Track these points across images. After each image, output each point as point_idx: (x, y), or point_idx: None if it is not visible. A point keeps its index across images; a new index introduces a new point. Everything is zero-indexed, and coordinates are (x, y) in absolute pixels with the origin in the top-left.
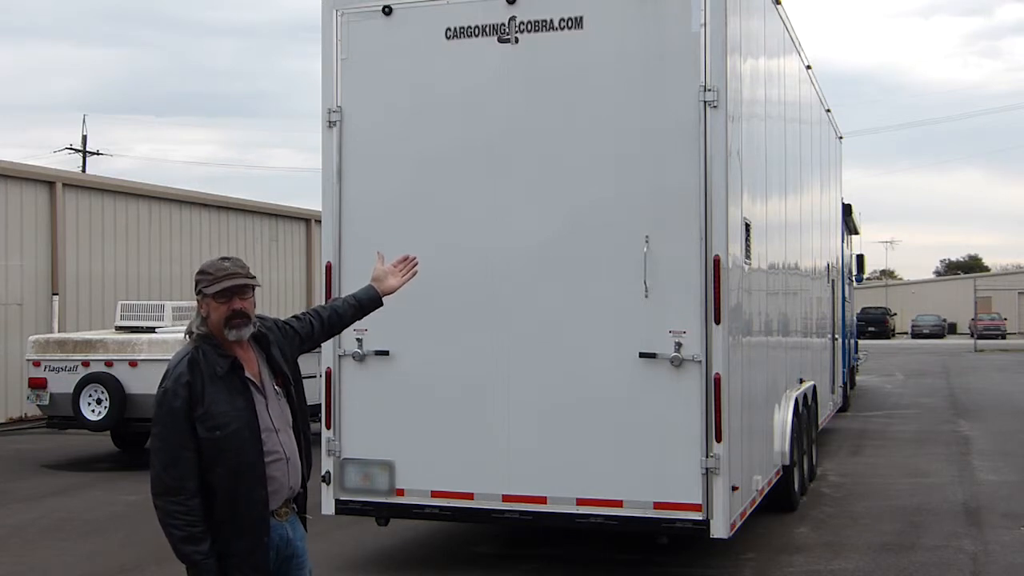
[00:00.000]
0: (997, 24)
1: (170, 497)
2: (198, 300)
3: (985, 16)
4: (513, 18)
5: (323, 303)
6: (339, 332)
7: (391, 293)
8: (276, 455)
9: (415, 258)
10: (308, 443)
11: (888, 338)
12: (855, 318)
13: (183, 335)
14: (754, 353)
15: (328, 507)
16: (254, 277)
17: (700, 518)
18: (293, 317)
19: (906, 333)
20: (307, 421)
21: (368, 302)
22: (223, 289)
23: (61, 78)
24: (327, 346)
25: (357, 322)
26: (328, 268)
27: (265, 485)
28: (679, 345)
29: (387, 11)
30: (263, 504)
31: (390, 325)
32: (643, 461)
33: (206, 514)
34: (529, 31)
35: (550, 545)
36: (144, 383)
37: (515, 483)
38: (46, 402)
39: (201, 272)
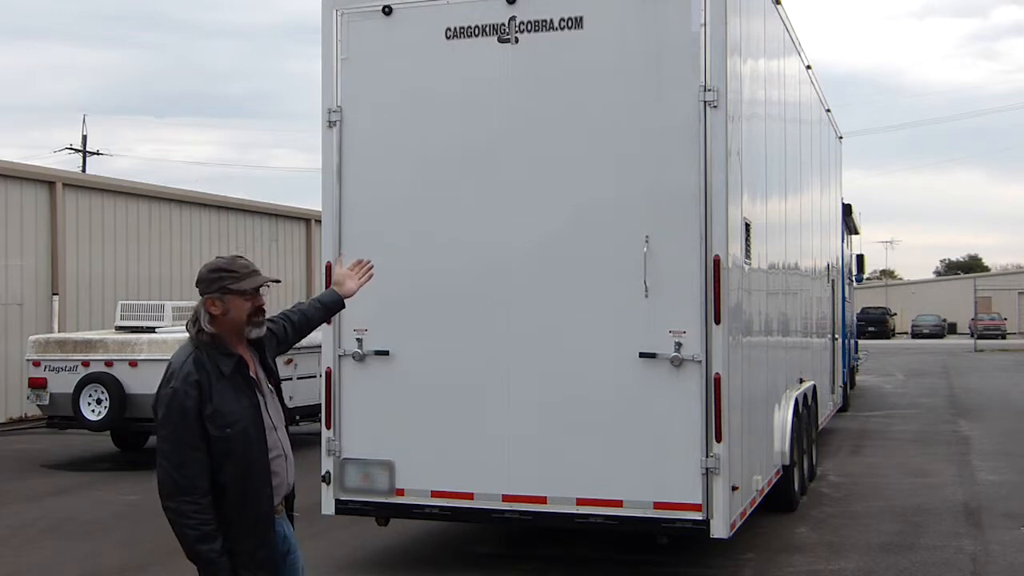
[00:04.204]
0: (993, 25)
1: (183, 497)
2: (210, 299)
3: (981, 18)
4: (513, 18)
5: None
6: (307, 334)
7: (350, 296)
8: (276, 452)
9: (369, 262)
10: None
11: (888, 338)
12: (855, 318)
13: (187, 333)
14: (754, 353)
15: (328, 507)
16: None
17: (700, 518)
18: (268, 319)
19: (906, 333)
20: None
21: (332, 304)
22: (256, 286)
23: (61, 79)
24: (327, 346)
25: (325, 323)
26: (328, 268)
27: (271, 482)
28: (679, 345)
29: (387, 11)
30: (269, 501)
31: (390, 325)
32: (643, 461)
33: (217, 513)
34: (529, 31)
35: (550, 545)
36: (144, 383)
37: (515, 483)
38: (46, 402)
39: (222, 269)
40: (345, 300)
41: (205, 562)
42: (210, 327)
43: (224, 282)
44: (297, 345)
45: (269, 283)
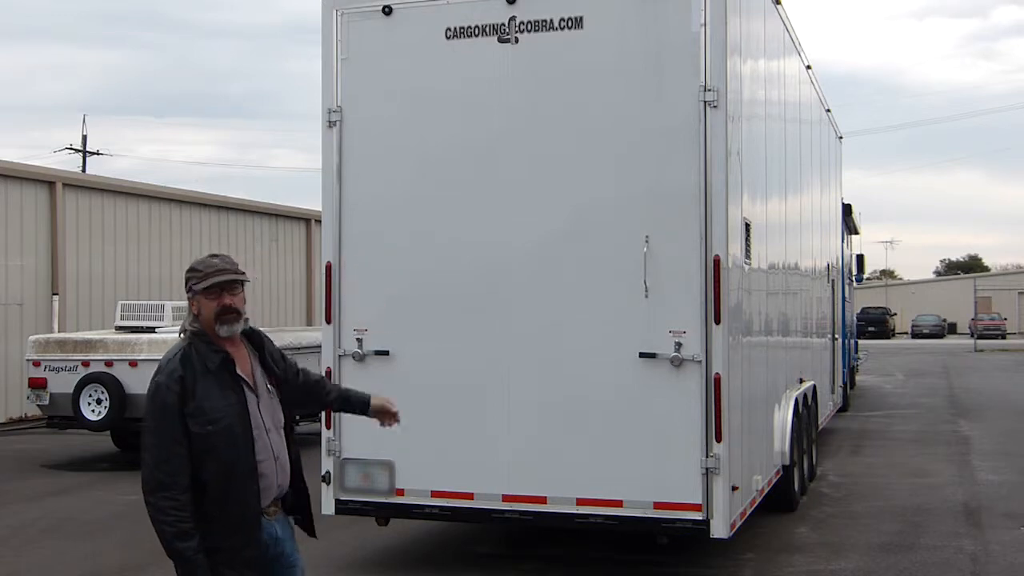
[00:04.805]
0: (993, 25)
1: (162, 493)
2: (189, 298)
3: (980, 18)
4: (513, 18)
5: (324, 301)
6: (314, 408)
7: (370, 417)
8: (265, 454)
9: (394, 415)
10: (296, 447)
11: (888, 338)
12: (855, 318)
13: (178, 334)
14: (754, 353)
15: (328, 507)
16: (243, 273)
17: (700, 518)
18: (289, 361)
19: (906, 333)
20: (291, 427)
21: (356, 403)
22: (212, 284)
23: (61, 79)
24: (327, 346)
25: (339, 412)
26: (328, 268)
27: (257, 481)
28: (679, 345)
29: (387, 11)
30: (255, 500)
31: (390, 325)
32: (643, 461)
33: (197, 510)
34: (529, 31)
35: (550, 545)
36: (144, 383)
37: (515, 483)
38: (46, 402)
39: (191, 270)
40: (368, 413)
41: (182, 560)
42: (194, 325)
43: (190, 283)
44: (297, 345)
45: (228, 281)
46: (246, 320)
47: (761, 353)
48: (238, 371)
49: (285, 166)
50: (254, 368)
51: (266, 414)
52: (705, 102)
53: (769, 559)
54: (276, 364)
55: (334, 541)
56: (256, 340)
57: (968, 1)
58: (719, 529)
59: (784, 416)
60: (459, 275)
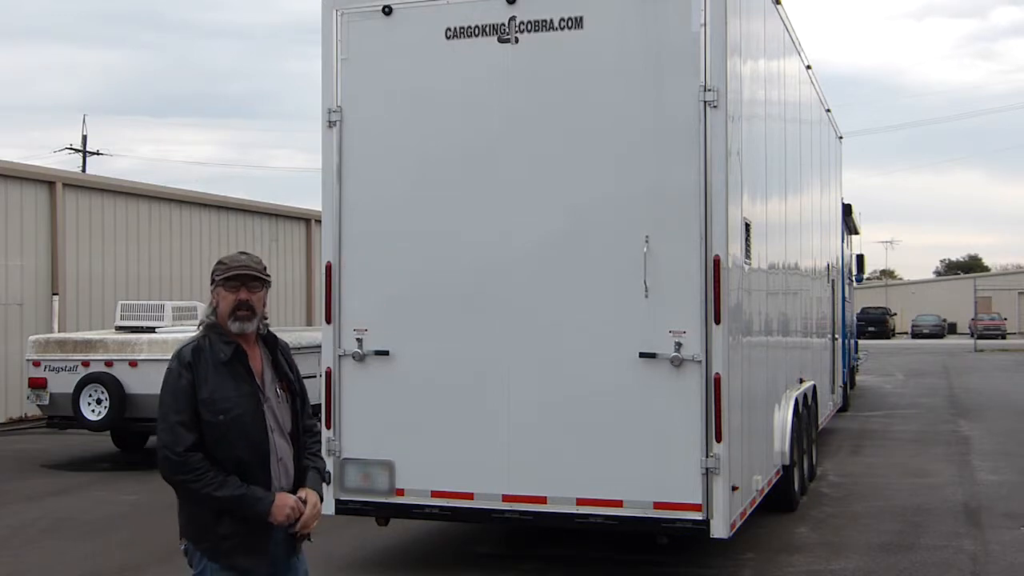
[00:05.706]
0: (992, 26)
1: (181, 469)
2: (212, 290)
3: (979, 18)
4: (513, 18)
5: (324, 301)
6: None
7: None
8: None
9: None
10: (307, 464)
11: (888, 338)
12: (855, 318)
13: (187, 333)
14: (754, 353)
15: (328, 507)
16: (267, 275)
17: (700, 518)
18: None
19: (906, 333)
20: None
21: (310, 478)
22: (232, 276)
23: (62, 79)
24: (327, 346)
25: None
26: (328, 268)
27: (269, 468)
28: (679, 345)
29: (387, 11)
30: (265, 487)
31: (390, 325)
32: (643, 461)
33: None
34: (529, 31)
35: (550, 545)
36: (144, 383)
37: (515, 483)
38: (46, 402)
39: (218, 263)
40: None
41: (236, 503)
42: (211, 317)
43: (215, 274)
44: (297, 345)
45: (249, 277)
46: (266, 324)
47: (761, 353)
48: (250, 363)
49: (285, 166)
50: (264, 370)
51: (272, 415)
52: (705, 102)
53: (769, 559)
54: (292, 370)
55: (334, 541)
56: (271, 343)
57: (967, 1)
58: (719, 529)
59: (784, 416)
60: (459, 275)
